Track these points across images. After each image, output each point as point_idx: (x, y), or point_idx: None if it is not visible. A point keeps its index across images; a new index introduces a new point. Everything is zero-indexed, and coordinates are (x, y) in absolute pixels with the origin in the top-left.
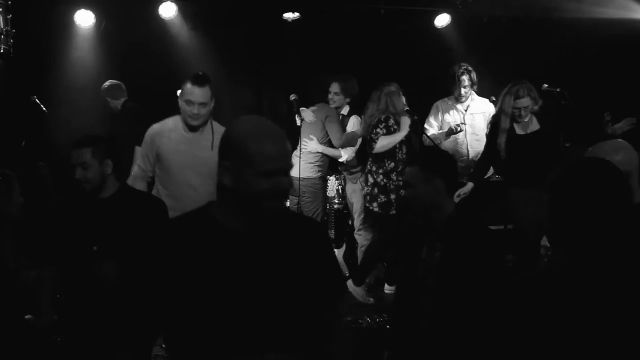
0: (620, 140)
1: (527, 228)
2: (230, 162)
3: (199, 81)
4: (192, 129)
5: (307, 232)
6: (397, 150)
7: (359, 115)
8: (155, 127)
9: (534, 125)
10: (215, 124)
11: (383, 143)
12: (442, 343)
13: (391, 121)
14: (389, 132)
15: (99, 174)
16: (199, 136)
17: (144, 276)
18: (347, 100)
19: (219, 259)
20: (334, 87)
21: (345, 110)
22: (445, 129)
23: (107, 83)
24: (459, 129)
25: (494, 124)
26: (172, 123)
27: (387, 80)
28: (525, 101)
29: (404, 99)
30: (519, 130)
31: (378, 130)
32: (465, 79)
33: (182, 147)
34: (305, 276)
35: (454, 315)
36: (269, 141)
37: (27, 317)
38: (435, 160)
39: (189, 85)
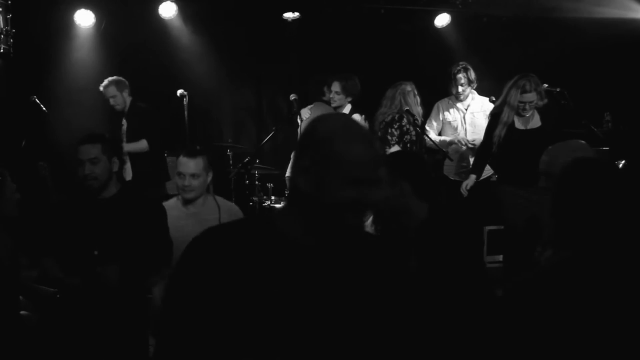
0: (579, 140)
1: (520, 228)
2: (311, 162)
3: (189, 152)
4: (187, 202)
5: (387, 259)
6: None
7: (360, 113)
8: None
9: (535, 122)
10: (221, 200)
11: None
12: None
13: (404, 121)
14: (402, 132)
15: (107, 171)
16: (201, 210)
17: (187, 291)
18: (349, 99)
19: (279, 275)
20: (335, 86)
21: (347, 109)
22: (446, 128)
23: (116, 78)
24: (463, 143)
25: (495, 115)
26: (173, 202)
27: (380, 80)
28: (532, 96)
29: (418, 99)
30: (518, 125)
31: (392, 130)
32: (461, 77)
33: (182, 222)
34: (381, 308)
35: (434, 326)
36: (361, 143)
37: (22, 312)
38: (401, 162)
39: (180, 157)
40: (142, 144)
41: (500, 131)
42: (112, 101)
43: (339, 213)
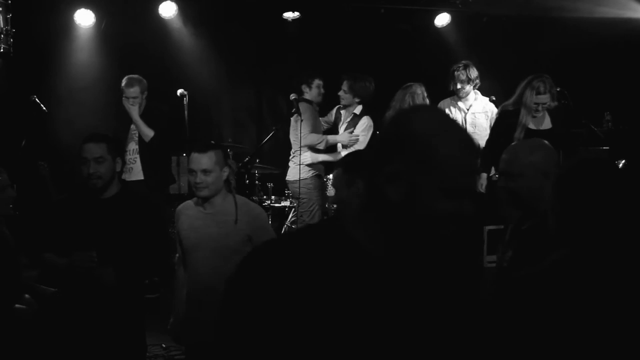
0: (540, 139)
1: None
2: (404, 166)
3: (200, 147)
4: (204, 201)
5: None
6: None
7: (371, 117)
8: (180, 206)
9: (547, 123)
10: (241, 199)
11: None
12: None
13: None
14: None
15: (111, 170)
16: (218, 211)
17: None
18: (357, 100)
19: (357, 295)
20: (344, 85)
21: (357, 110)
22: None
23: (139, 77)
24: None
25: (507, 114)
26: (194, 201)
27: (380, 79)
28: (546, 97)
29: (427, 102)
30: (531, 125)
31: None
32: (459, 74)
33: (197, 223)
34: (470, 329)
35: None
36: (463, 146)
37: (17, 306)
38: (358, 162)
39: (191, 154)
40: (149, 132)
41: (519, 134)
42: (130, 101)
43: (433, 227)
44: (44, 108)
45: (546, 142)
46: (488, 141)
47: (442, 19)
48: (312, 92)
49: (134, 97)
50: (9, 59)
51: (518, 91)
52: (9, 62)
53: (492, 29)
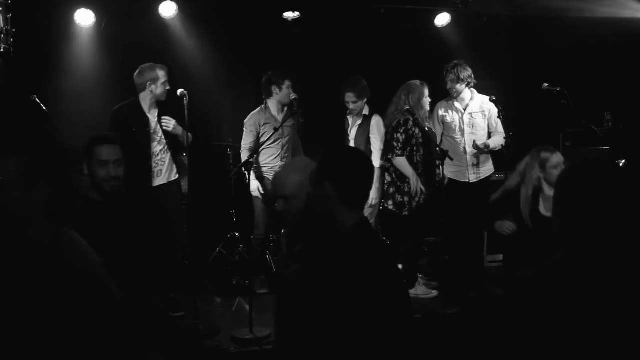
0: (304, 158)
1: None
2: None
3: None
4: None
5: None
6: (414, 153)
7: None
8: None
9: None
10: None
11: (400, 163)
12: None
13: (410, 124)
14: (408, 136)
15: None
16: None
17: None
18: (364, 100)
19: None
20: (350, 97)
21: (366, 110)
22: (446, 130)
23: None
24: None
25: (510, 195)
26: None
27: (380, 79)
28: (558, 155)
29: (426, 101)
30: (542, 210)
31: (398, 136)
32: (447, 74)
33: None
34: None
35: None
36: None
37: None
38: (330, 161)
39: None
40: (189, 135)
41: (530, 220)
42: (161, 89)
43: None
44: (44, 108)
45: (308, 159)
46: (491, 211)
47: (442, 19)
48: (282, 93)
49: (163, 83)
50: (9, 59)
51: (522, 175)
52: (9, 62)
53: (492, 29)
